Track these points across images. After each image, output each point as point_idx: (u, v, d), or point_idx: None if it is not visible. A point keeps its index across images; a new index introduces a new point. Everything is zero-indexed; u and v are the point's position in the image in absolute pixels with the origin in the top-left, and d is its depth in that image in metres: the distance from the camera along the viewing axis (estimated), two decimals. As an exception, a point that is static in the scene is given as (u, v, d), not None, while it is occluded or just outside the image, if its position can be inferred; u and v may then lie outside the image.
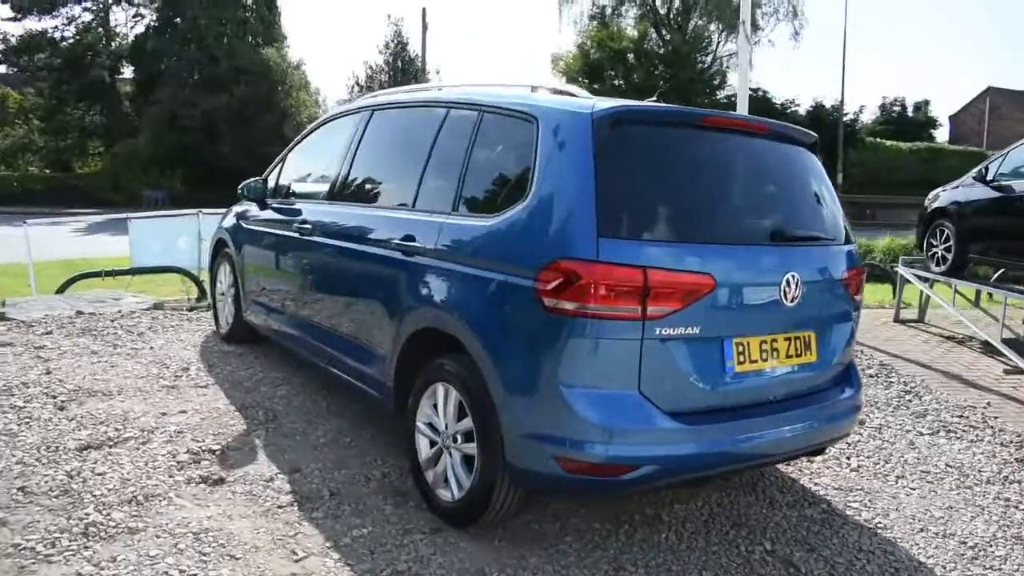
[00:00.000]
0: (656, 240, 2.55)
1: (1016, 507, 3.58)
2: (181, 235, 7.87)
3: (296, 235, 4.08)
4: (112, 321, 5.66)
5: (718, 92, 37.12)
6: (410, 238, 3.15)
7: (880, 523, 3.36)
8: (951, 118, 53.00)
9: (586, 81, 34.07)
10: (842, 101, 31.04)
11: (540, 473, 2.60)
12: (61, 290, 7.35)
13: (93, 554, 2.59)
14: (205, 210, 8.31)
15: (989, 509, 3.57)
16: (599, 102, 2.72)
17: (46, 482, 3.05)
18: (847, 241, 3.21)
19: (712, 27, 40.58)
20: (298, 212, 4.21)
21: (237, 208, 5.34)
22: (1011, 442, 4.46)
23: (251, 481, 3.20)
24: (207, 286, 7.09)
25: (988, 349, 6.85)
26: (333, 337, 3.76)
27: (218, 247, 5.39)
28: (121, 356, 4.76)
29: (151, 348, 4.99)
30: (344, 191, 3.86)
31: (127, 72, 32.86)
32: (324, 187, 4.15)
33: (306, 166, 4.62)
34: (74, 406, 3.86)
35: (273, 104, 29.95)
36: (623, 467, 2.50)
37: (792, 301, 2.80)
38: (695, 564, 2.85)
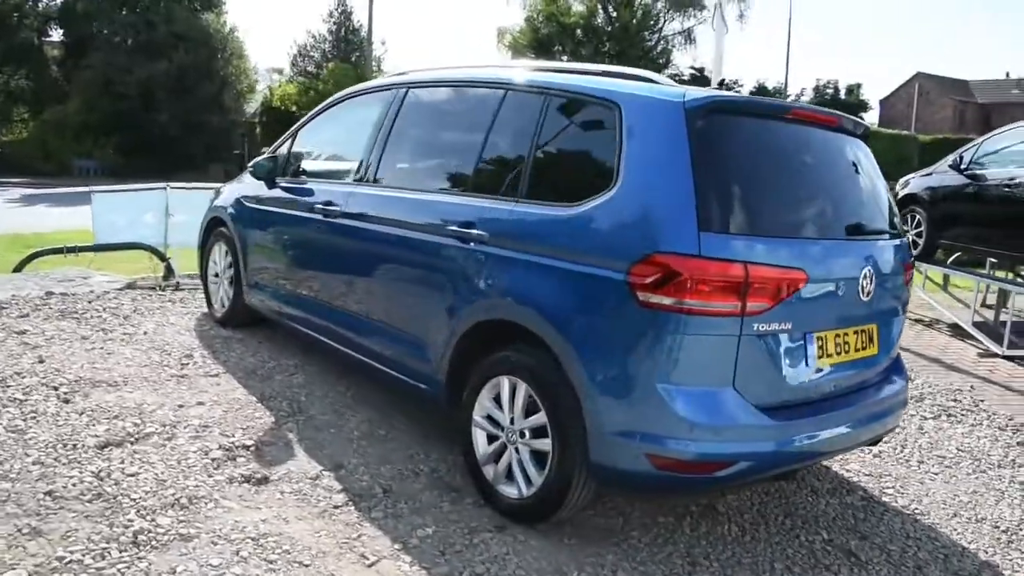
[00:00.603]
0: (750, 234, 2.50)
1: (1036, 491, 3.72)
2: (147, 210, 7.43)
3: (319, 217, 3.87)
4: (90, 303, 5.30)
5: (664, 71, 37.47)
6: (469, 224, 3.01)
7: (916, 509, 3.44)
8: (881, 101, 54.92)
9: (533, 55, 33.84)
10: (785, 84, 31.80)
11: (628, 471, 2.54)
12: (19, 268, 6.87)
13: (149, 565, 2.40)
14: (174, 184, 7.87)
15: (1009, 493, 3.70)
16: (689, 90, 2.63)
17: (74, 485, 2.82)
18: (901, 234, 3.23)
19: (660, 5, 40.81)
20: (319, 193, 3.99)
21: (234, 185, 5.06)
22: (1007, 426, 4.64)
23: (297, 479, 3.04)
24: (178, 264, 6.78)
25: (956, 332, 7.11)
26: (367, 325, 3.59)
27: (211, 226, 5.09)
28: (115, 342, 4.46)
29: (144, 332, 4.70)
30: (378, 172, 3.66)
31: (56, 35, 30.93)
32: (350, 167, 3.94)
33: (324, 144, 4.40)
34: (80, 398, 3.59)
35: (213, 72, 28.81)
36: (717, 464, 2.46)
37: (867, 296, 2.80)
38: (765, 556, 2.86)
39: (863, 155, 3.11)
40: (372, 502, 2.93)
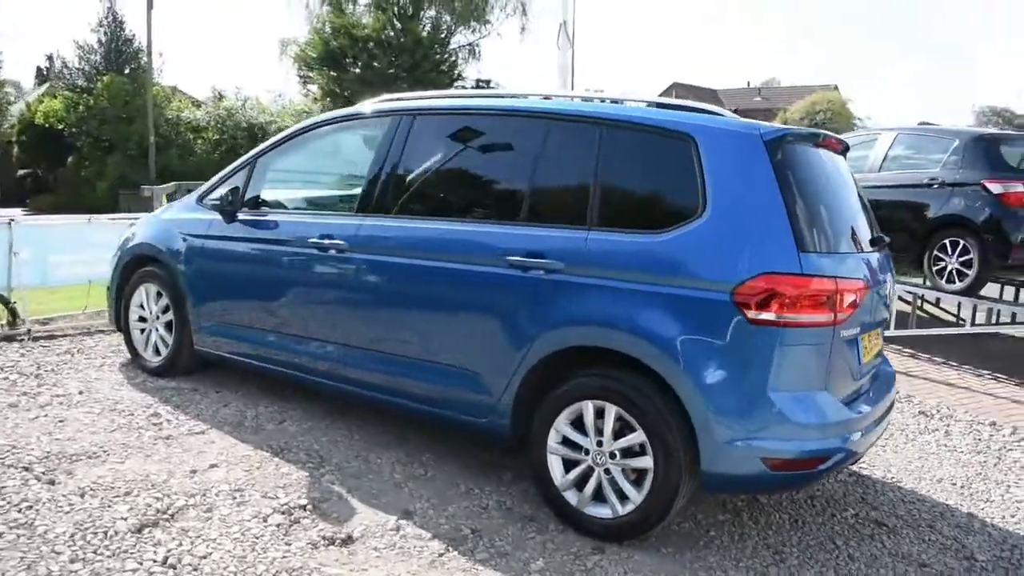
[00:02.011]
0: (827, 251, 2.79)
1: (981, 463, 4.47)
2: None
3: (314, 252, 3.63)
4: (-32, 363, 4.47)
5: (455, 83, 38.16)
6: (535, 254, 3.03)
7: (892, 477, 3.98)
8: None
9: (326, 69, 32.80)
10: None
11: (743, 476, 2.73)
12: None
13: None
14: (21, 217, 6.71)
15: (941, 455, 4.41)
16: (757, 124, 2.88)
17: (139, 576, 2.45)
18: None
19: (446, 19, 41.52)
20: (307, 226, 3.74)
21: (161, 219, 4.54)
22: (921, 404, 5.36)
23: (379, 533, 2.86)
24: (27, 307, 5.94)
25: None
26: (393, 363, 3.44)
27: (133, 265, 4.52)
28: (55, 406, 3.81)
29: (80, 392, 4.06)
30: (390, 203, 3.52)
31: None
32: (343, 197, 3.74)
33: (299, 175, 4.10)
34: (65, 477, 3.07)
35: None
36: (820, 458, 2.73)
37: (887, 299, 3.23)
38: (823, 535, 3.19)
39: (849, 172, 3.55)
40: (469, 544, 2.86)
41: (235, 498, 3.02)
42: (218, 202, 4.03)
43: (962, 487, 3.94)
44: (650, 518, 2.87)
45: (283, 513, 2.93)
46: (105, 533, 2.68)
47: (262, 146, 4.18)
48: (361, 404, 3.84)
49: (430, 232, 3.37)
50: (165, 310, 4.38)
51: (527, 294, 3.04)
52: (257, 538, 2.75)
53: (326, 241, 3.60)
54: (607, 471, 2.93)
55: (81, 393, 4.04)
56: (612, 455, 2.91)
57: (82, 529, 2.69)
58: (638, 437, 2.84)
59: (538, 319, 3.01)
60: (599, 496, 2.96)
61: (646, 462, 2.83)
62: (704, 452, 2.72)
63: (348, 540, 2.79)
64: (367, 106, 3.88)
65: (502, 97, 3.58)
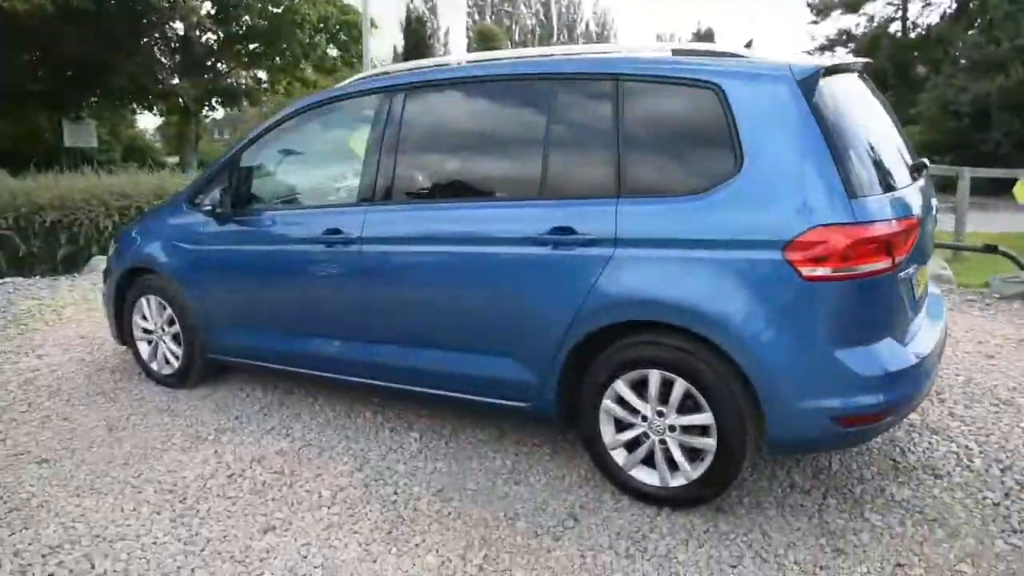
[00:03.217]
0: (877, 192, 2.63)
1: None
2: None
3: (321, 248, 3.45)
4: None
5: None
6: (566, 230, 2.86)
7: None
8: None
9: None
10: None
11: (812, 436, 2.67)
12: None
13: None
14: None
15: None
16: (791, 62, 2.66)
17: None
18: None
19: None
20: (308, 221, 3.56)
21: (155, 224, 4.30)
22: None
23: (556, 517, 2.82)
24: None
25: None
26: (424, 354, 3.31)
27: (126, 277, 4.31)
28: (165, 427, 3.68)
29: (162, 408, 3.94)
30: (394, 189, 3.32)
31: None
32: (340, 188, 3.53)
33: (286, 168, 3.86)
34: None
35: None
36: (889, 410, 2.65)
37: (934, 227, 3.09)
38: (875, 488, 3.12)
39: (876, 94, 3.31)
40: (576, 525, 2.86)
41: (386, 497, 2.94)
42: (209, 206, 3.79)
43: (931, 430, 3.92)
44: (704, 494, 2.84)
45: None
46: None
47: (242, 141, 3.90)
48: (391, 396, 3.76)
49: (432, 219, 3.22)
50: (170, 322, 4.20)
51: (561, 272, 2.89)
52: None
53: (335, 235, 3.40)
54: (663, 442, 2.86)
55: (162, 409, 3.90)
56: (672, 428, 2.83)
57: None
58: (706, 419, 2.74)
59: (577, 296, 2.86)
60: (648, 461, 2.92)
61: (708, 443, 2.76)
62: (771, 419, 2.64)
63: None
64: (350, 85, 3.61)
65: (499, 61, 3.32)
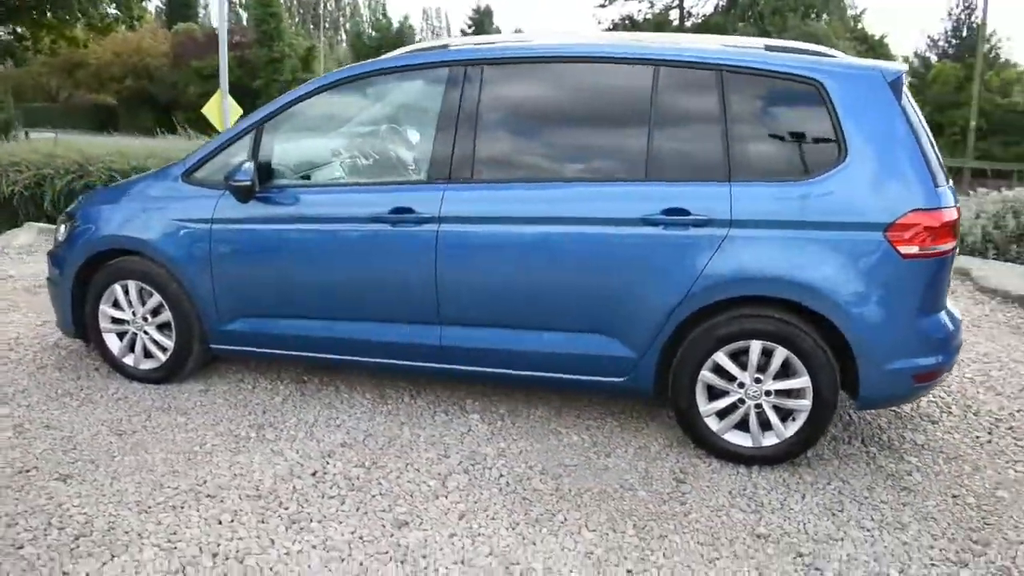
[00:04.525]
0: (943, 183, 3.06)
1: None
2: None
3: (385, 227, 3.27)
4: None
5: None
6: (680, 211, 3.00)
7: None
8: None
9: None
10: None
11: (895, 393, 3.09)
12: None
13: None
14: None
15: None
16: (879, 65, 3.01)
17: None
18: None
19: None
20: (364, 198, 3.36)
21: (134, 201, 3.74)
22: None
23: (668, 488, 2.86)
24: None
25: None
26: (507, 335, 3.28)
27: (94, 260, 3.71)
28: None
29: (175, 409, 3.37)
30: (475, 169, 3.22)
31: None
32: (399, 164, 3.38)
33: (325, 142, 3.54)
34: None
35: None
36: (947, 368, 3.14)
37: None
38: (896, 436, 3.68)
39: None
40: (690, 488, 3.03)
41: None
42: (225, 179, 3.39)
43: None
44: (792, 451, 3.16)
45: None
46: None
47: (266, 111, 3.51)
48: (456, 380, 3.68)
49: (548, 197, 3.17)
50: (155, 310, 3.70)
51: (673, 251, 3.03)
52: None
53: (404, 215, 3.23)
54: (758, 406, 3.13)
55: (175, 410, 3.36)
56: (767, 393, 3.10)
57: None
58: (802, 382, 3.03)
59: (689, 275, 3.02)
60: (741, 425, 3.18)
61: (803, 403, 3.06)
62: (865, 380, 3.01)
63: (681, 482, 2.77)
64: (405, 56, 3.42)
65: (589, 42, 3.33)
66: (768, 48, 3.21)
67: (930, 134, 3.39)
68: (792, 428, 3.12)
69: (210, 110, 8.93)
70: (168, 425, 3.40)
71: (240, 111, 9.38)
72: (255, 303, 3.55)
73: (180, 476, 2.98)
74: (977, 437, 3.61)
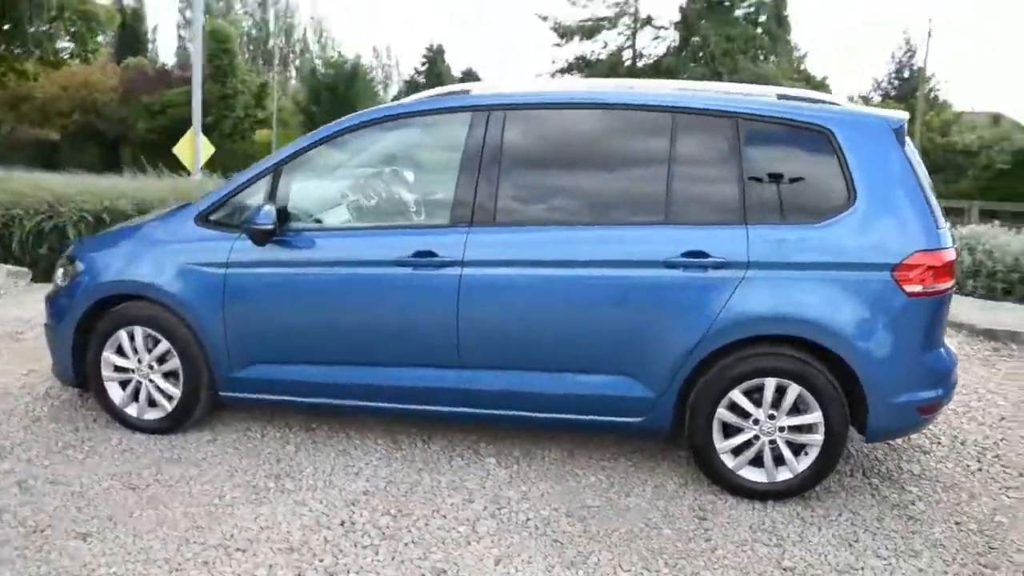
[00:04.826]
0: (943, 225, 3.24)
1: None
2: None
3: (407, 270, 3.31)
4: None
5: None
6: (699, 254, 3.11)
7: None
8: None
9: None
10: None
11: (901, 425, 3.26)
12: None
13: None
14: None
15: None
16: (883, 113, 3.20)
17: None
18: None
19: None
20: (384, 241, 3.40)
21: (142, 245, 3.68)
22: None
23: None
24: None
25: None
26: (528, 377, 3.34)
27: (98, 306, 3.65)
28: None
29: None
30: (498, 212, 3.29)
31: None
32: (413, 209, 3.43)
33: (343, 186, 3.58)
34: None
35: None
36: (945, 399, 3.31)
37: None
38: (893, 467, 3.83)
39: None
40: (712, 525, 3.09)
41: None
42: (243, 222, 3.40)
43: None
44: (805, 485, 3.27)
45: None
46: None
47: (284, 154, 3.54)
48: (470, 424, 3.70)
49: (571, 240, 3.26)
50: (161, 359, 3.64)
51: (692, 292, 3.14)
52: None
53: (426, 258, 3.28)
54: (772, 442, 3.24)
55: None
56: (781, 428, 3.21)
57: None
58: (815, 417, 3.16)
59: (708, 315, 3.13)
60: (755, 461, 3.28)
61: (815, 438, 3.19)
62: (874, 413, 3.15)
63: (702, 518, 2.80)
64: (424, 101, 3.49)
65: (610, 89, 3.47)
66: (779, 97, 3.39)
67: (928, 178, 3.61)
68: (805, 462, 3.23)
69: (181, 149, 8.83)
70: (181, 477, 3.33)
71: (212, 149, 9.30)
72: (271, 349, 3.53)
73: (205, 531, 2.92)
74: (968, 466, 3.79)
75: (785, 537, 3.05)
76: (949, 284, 3.18)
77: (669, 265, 3.15)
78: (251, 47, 69.04)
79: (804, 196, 3.21)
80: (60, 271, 3.87)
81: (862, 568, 2.87)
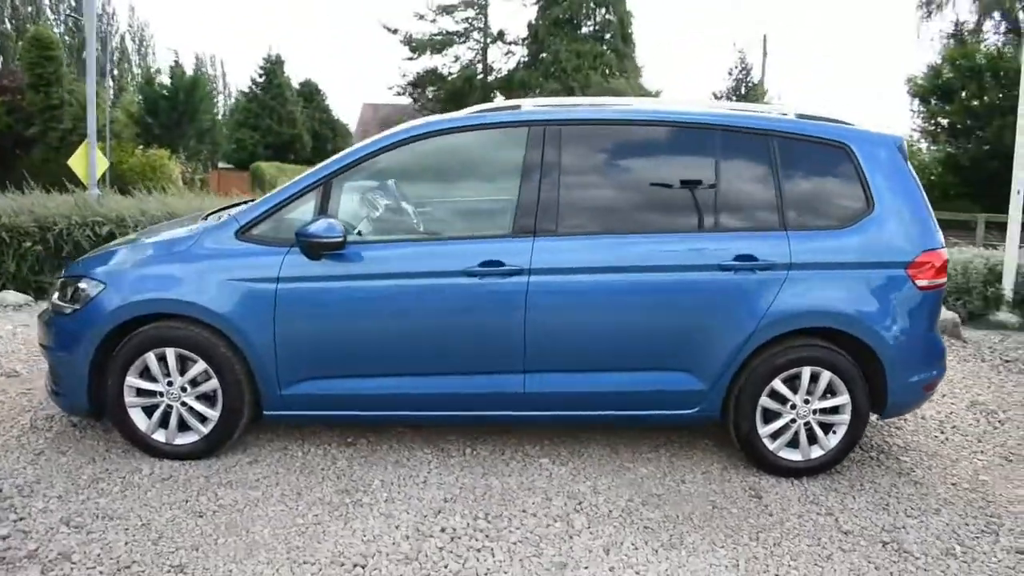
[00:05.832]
0: (937, 228, 3.75)
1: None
2: None
3: (473, 280, 3.37)
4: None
5: None
6: (748, 257, 3.43)
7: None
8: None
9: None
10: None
11: (911, 402, 3.72)
12: None
13: None
14: None
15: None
16: (888, 131, 3.68)
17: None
18: None
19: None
20: (446, 252, 3.44)
21: (176, 261, 3.44)
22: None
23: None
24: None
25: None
26: (589, 378, 3.50)
27: (122, 328, 3.38)
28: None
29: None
30: (560, 222, 3.44)
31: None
32: (472, 218, 3.52)
33: (399, 197, 3.55)
34: None
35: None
36: (942, 378, 3.82)
37: None
38: (902, 442, 4.35)
39: None
40: (769, 501, 3.33)
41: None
42: (299, 236, 3.31)
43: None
44: (837, 459, 3.67)
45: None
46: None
47: (331, 166, 3.47)
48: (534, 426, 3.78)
49: (632, 247, 3.45)
50: (193, 381, 3.44)
51: (743, 292, 3.45)
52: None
53: (492, 268, 3.36)
54: (807, 424, 3.61)
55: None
56: (815, 411, 3.58)
57: None
58: (843, 399, 3.55)
59: (757, 312, 3.44)
60: (796, 443, 3.63)
61: (843, 418, 3.59)
62: (892, 392, 3.59)
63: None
64: (480, 115, 3.57)
65: (665, 109, 3.71)
66: (800, 116, 3.79)
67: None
68: (834, 440, 3.62)
69: (76, 162, 8.11)
70: (247, 501, 3.17)
71: (107, 164, 8.62)
72: (327, 364, 3.44)
73: (307, 550, 2.83)
74: (936, 436, 4.37)
75: (832, 507, 3.41)
76: (945, 279, 3.71)
77: (723, 268, 3.44)
78: (66, 54, 63.44)
79: (831, 204, 3.63)
80: (61, 292, 3.54)
81: (903, 527, 3.27)
